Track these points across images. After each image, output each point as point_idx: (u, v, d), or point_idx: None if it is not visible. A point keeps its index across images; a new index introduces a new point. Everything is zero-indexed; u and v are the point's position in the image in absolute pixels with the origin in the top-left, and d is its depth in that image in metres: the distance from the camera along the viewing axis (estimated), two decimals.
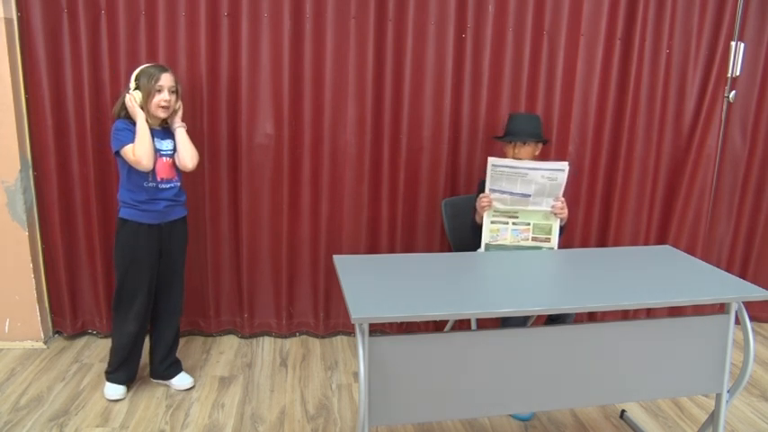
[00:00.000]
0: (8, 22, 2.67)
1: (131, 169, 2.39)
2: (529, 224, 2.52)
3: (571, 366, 1.98)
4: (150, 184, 2.43)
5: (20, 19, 2.71)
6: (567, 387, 2.00)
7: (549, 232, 2.51)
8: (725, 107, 3.25)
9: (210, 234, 3.03)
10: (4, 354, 2.92)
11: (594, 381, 2.02)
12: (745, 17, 3.14)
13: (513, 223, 2.52)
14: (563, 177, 2.44)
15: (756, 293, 2.00)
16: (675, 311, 3.05)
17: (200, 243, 3.03)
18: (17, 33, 2.72)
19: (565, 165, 2.43)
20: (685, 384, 2.13)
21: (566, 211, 2.49)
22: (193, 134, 2.88)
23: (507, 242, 2.53)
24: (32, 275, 2.92)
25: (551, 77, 3.04)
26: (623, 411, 2.60)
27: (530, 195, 2.46)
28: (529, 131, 2.64)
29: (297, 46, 2.86)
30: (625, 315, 3.17)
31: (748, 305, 2.27)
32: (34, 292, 2.94)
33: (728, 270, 3.42)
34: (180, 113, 2.50)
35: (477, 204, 2.54)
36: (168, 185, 2.48)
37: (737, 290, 2.03)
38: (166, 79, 2.40)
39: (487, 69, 2.98)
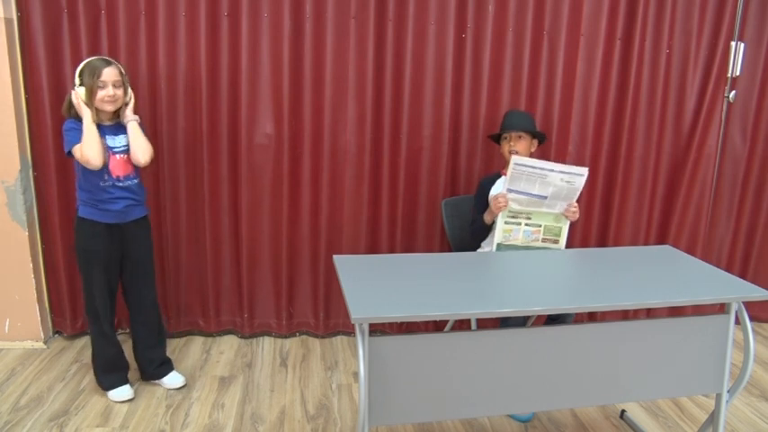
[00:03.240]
0: (8, 22, 2.67)
1: (86, 168, 2.30)
2: (540, 225, 2.52)
3: (571, 366, 1.98)
4: (106, 183, 2.35)
5: (20, 19, 2.71)
6: (567, 387, 2.00)
7: (559, 234, 2.53)
8: (725, 107, 3.25)
9: (210, 234, 3.03)
10: (4, 354, 2.92)
11: (594, 381, 2.02)
12: (745, 17, 3.14)
13: (526, 224, 2.52)
14: (581, 182, 2.44)
15: (756, 293, 2.00)
16: (675, 311, 3.05)
17: (200, 243, 3.04)
18: (17, 33, 2.72)
19: (585, 170, 2.43)
20: (685, 384, 2.13)
21: (578, 214, 2.51)
22: (193, 134, 2.90)
23: (519, 242, 2.53)
24: (32, 275, 2.92)
25: (551, 77, 3.04)
26: (623, 411, 2.60)
27: (545, 197, 2.46)
28: (523, 125, 2.66)
29: (297, 46, 2.86)
30: (625, 315, 3.17)
31: (748, 305, 2.27)
32: (34, 292, 2.94)
33: (728, 270, 3.42)
34: (131, 105, 2.39)
35: (492, 205, 2.52)
36: (125, 183, 2.40)
37: (737, 290, 2.03)
38: (109, 74, 2.28)
39: (487, 69, 2.98)
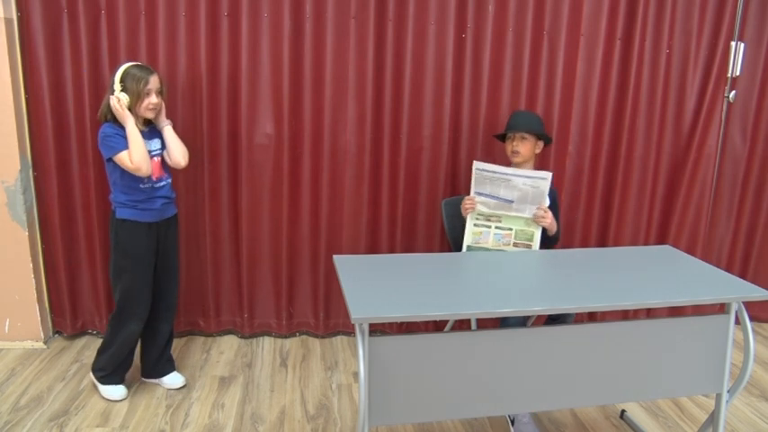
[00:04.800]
0: (8, 22, 2.67)
1: (125, 172, 2.36)
2: (511, 229, 2.54)
3: (571, 366, 1.98)
4: (146, 185, 2.42)
5: (20, 19, 2.71)
6: (567, 387, 2.00)
7: (531, 238, 2.53)
8: (725, 107, 3.25)
9: (210, 234, 3.03)
10: (4, 354, 2.92)
11: (594, 381, 2.02)
12: (745, 17, 3.14)
13: (497, 227, 2.54)
14: (545, 186, 2.47)
15: (756, 293, 2.00)
16: (675, 311, 3.05)
17: (201, 243, 3.04)
18: (17, 33, 2.72)
19: (548, 174, 2.47)
20: (685, 384, 2.13)
21: (548, 219, 2.49)
22: (193, 134, 2.90)
23: (489, 245, 2.54)
24: (32, 275, 2.92)
25: (551, 77, 3.04)
26: (623, 411, 2.60)
27: (512, 201, 2.49)
28: (527, 126, 2.65)
29: (297, 46, 2.86)
30: (625, 315, 3.17)
31: (748, 305, 2.27)
32: (34, 292, 2.94)
33: (728, 270, 3.42)
34: (164, 111, 2.47)
35: (461, 206, 2.56)
36: (162, 183, 2.48)
37: (737, 290, 2.03)
38: (154, 81, 2.36)
39: (487, 69, 2.98)
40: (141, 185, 2.41)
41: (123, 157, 2.32)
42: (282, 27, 2.82)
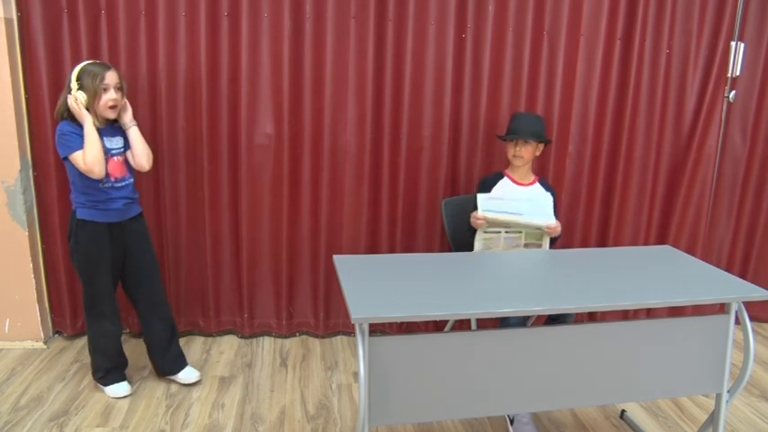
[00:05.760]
0: (8, 22, 2.67)
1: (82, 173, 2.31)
2: (521, 232, 2.57)
3: (571, 366, 1.98)
4: (105, 185, 2.37)
5: (20, 19, 2.71)
6: (567, 387, 2.00)
7: (541, 238, 2.58)
8: (725, 107, 3.25)
9: (210, 234, 3.03)
10: (4, 354, 2.92)
11: (594, 381, 2.02)
12: (745, 17, 3.14)
13: (506, 232, 2.57)
14: (549, 200, 2.57)
15: (756, 293, 2.00)
16: (675, 311, 3.05)
17: (200, 243, 3.03)
18: (17, 33, 2.72)
19: (549, 198, 2.55)
20: (685, 384, 2.13)
21: (558, 230, 2.56)
22: (193, 134, 2.90)
23: (500, 248, 2.58)
24: (32, 275, 2.92)
25: (551, 77, 3.04)
26: (623, 411, 2.60)
27: (521, 214, 2.54)
28: (531, 130, 2.67)
29: (297, 46, 2.86)
30: (625, 315, 3.17)
31: (748, 305, 2.27)
32: (34, 292, 2.94)
33: (728, 270, 3.42)
34: (129, 111, 2.41)
35: (471, 221, 2.59)
36: (122, 184, 2.42)
37: (737, 290, 2.03)
38: (111, 77, 2.29)
39: (487, 69, 2.98)
40: (100, 185, 2.35)
41: (77, 157, 2.26)
42: (282, 27, 2.82)
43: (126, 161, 2.45)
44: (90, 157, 2.25)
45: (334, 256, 2.20)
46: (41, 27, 2.70)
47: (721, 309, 2.15)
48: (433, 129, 3.01)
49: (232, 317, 3.19)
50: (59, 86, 2.78)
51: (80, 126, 2.29)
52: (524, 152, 2.66)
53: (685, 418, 2.59)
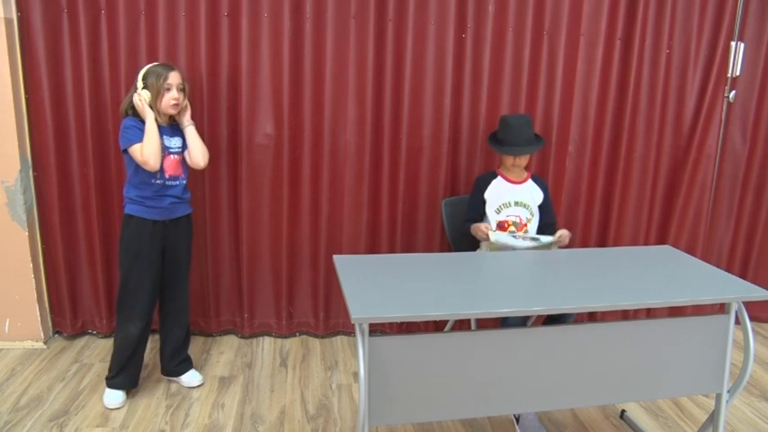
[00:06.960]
0: (8, 22, 2.67)
1: (139, 167, 2.39)
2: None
3: (571, 366, 1.98)
4: (158, 181, 2.44)
5: (20, 19, 2.71)
6: (567, 387, 2.00)
7: (550, 248, 2.58)
8: (725, 107, 3.25)
9: (210, 234, 3.03)
10: (4, 354, 2.93)
11: (594, 381, 2.02)
12: (745, 17, 3.14)
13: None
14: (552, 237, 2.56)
15: (756, 293, 2.00)
16: (675, 311, 3.05)
17: (201, 243, 3.03)
18: (17, 33, 2.72)
19: (550, 238, 2.52)
20: (685, 384, 2.13)
21: (567, 237, 2.55)
22: None
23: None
24: (32, 275, 2.92)
25: (551, 77, 3.04)
26: (623, 411, 2.60)
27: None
28: (528, 141, 2.66)
29: (297, 46, 2.86)
30: (625, 315, 3.17)
31: (748, 305, 2.27)
32: (34, 292, 2.94)
33: (728, 270, 3.42)
34: (188, 112, 2.51)
35: (478, 233, 2.59)
36: (175, 183, 2.49)
37: (737, 290, 2.03)
38: (174, 77, 2.41)
39: (487, 69, 2.98)
40: (153, 181, 2.42)
41: (135, 150, 2.35)
42: (282, 27, 2.82)
43: (183, 161, 2.52)
44: (147, 149, 2.34)
45: (334, 256, 2.20)
46: (41, 27, 2.70)
47: (721, 309, 2.15)
48: (432, 129, 3.01)
49: (232, 317, 3.19)
50: (59, 86, 2.79)
51: (143, 122, 2.38)
52: (523, 161, 2.68)
53: (685, 418, 2.59)
